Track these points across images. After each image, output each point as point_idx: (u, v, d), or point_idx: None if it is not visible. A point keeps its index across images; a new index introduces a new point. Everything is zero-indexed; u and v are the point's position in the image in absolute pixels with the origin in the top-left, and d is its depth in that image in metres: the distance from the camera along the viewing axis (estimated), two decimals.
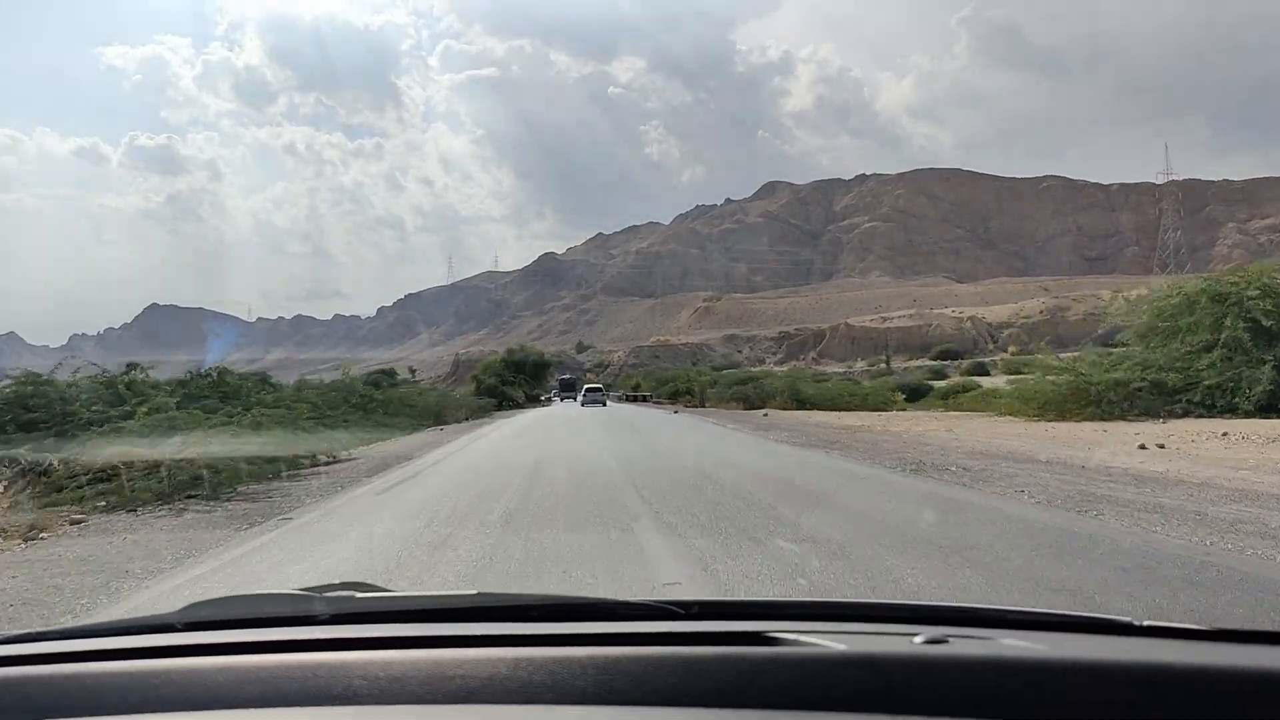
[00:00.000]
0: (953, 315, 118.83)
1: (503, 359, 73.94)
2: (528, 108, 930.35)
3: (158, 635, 1.50)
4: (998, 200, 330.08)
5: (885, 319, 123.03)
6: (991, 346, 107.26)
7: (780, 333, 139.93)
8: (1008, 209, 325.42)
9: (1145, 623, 1.35)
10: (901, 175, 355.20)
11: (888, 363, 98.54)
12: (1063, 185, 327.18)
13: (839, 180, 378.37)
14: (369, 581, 1.97)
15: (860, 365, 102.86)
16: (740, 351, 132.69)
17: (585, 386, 69.63)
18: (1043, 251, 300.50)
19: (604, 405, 55.18)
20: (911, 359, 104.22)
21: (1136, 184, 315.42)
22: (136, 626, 1.62)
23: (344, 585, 1.73)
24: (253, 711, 1.16)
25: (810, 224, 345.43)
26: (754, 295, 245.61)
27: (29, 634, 1.60)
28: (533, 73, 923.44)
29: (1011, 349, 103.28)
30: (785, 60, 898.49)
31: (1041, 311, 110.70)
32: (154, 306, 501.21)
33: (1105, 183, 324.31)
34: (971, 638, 1.28)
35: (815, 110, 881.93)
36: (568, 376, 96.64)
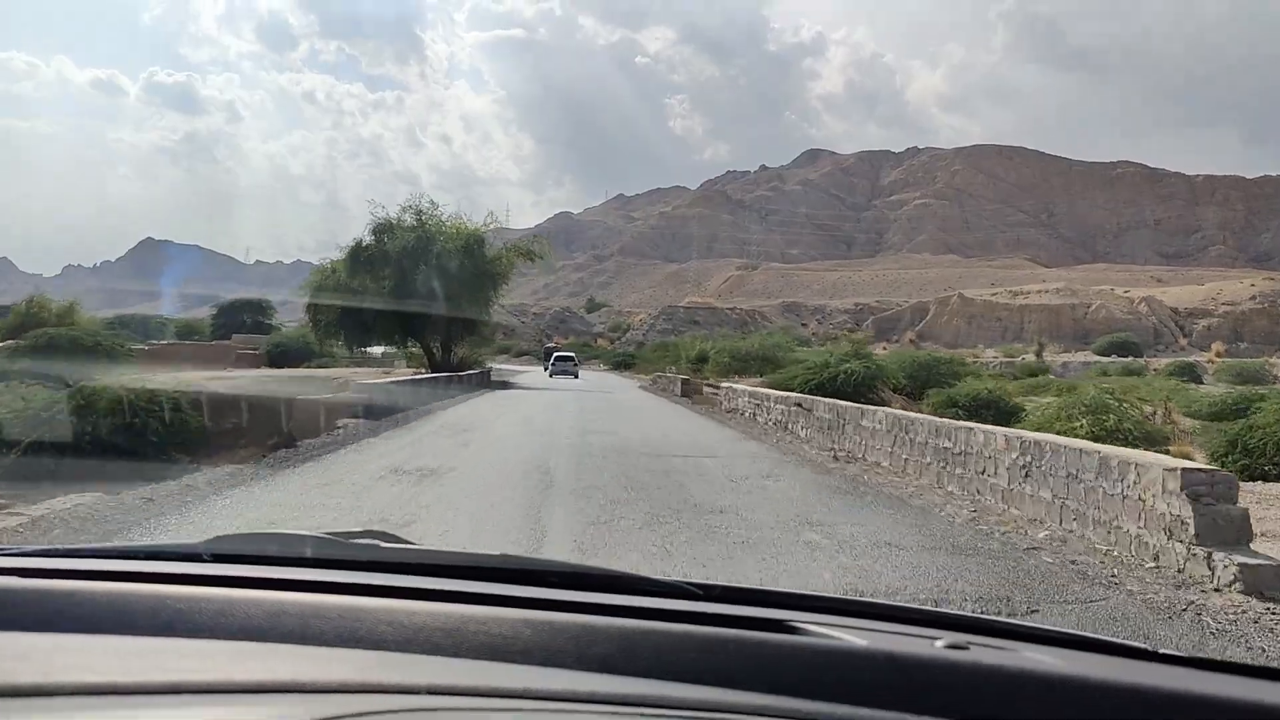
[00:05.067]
0: (1123, 295, 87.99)
1: (349, 251, 36.43)
2: (553, 72, 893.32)
3: (185, 563, 1.52)
4: (1065, 184, 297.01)
5: (1015, 293, 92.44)
6: (1183, 341, 76.69)
7: (857, 304, 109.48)
8: (1076, 194, 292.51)
9: (1161, 650, 1.38)
10: (959, 150, 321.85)
11: (1040, 353, 68.38)
12: (1140, 173, 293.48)
13: (888, 152, 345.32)
14: (390, 532, 1.95)
15: (990, 353, 72.43)
16: (805, 325, 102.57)
17: (555, 354, 56.48)
18: (1116, 243, 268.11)
19: (576, 377, 47.89)
20: (1066, 350, 73.69)
21: (1224, 176, 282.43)
22: (164, 552, 1.64)
23: (367, 533, 1.74)
24: (287, 646, 1.18)
25: (854, 196, 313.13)
26: (796, 266, 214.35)
27: (58, 549, 1.61)
28: (560, 36, 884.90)
29: (1217, 346, 72.57)
30: (817, 41, 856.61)
31: (1253, 298, 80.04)
32: (149, 241, 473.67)
33: (1189, 173, 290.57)
34: (992, 647, 1.29)
35: (845, 94, 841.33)
36: (552, 344, 78.47)
